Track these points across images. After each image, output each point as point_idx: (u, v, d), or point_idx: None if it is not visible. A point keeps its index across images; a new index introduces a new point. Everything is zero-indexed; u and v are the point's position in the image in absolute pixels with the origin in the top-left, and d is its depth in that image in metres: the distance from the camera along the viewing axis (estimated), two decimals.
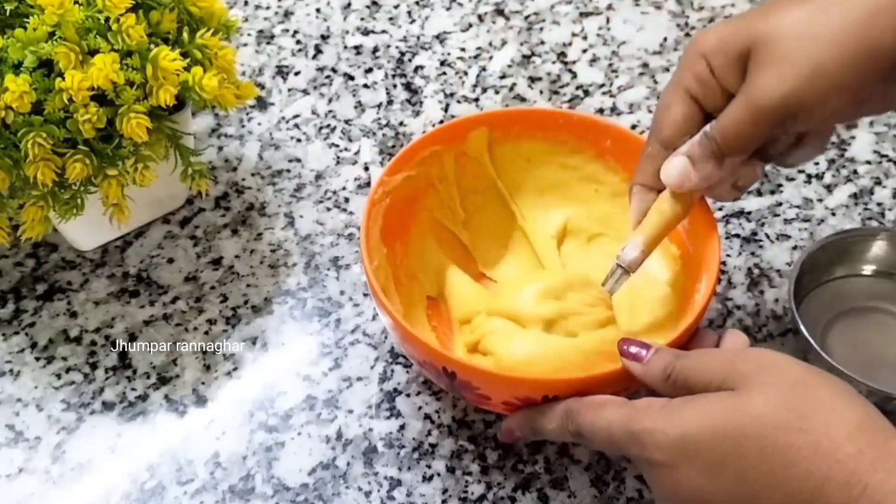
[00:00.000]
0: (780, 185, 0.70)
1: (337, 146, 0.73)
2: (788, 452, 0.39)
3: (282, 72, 0.79)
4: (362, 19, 0.83)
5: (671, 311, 0.58)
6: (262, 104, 0.76)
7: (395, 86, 0.77)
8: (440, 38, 0.81)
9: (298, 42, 0.81)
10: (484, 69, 0.79)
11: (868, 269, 0.62)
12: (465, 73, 0.78)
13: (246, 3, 0.84)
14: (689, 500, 0.42)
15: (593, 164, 0.62)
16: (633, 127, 0.74)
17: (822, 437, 0.39)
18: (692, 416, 0.42)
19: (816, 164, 0.71)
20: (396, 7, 0.83)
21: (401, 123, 0.74)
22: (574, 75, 0.78)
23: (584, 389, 0.51)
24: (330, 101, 0.76)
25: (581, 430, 0.47)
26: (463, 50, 0.80)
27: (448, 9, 0.84)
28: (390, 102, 0.76)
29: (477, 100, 0.76)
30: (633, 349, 0.48)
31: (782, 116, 0.47)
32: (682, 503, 0.42)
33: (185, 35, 0.58)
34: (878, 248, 0.62)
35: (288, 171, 0.71)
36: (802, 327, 0.56)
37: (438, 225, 0.63)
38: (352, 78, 0.78)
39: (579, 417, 0.47)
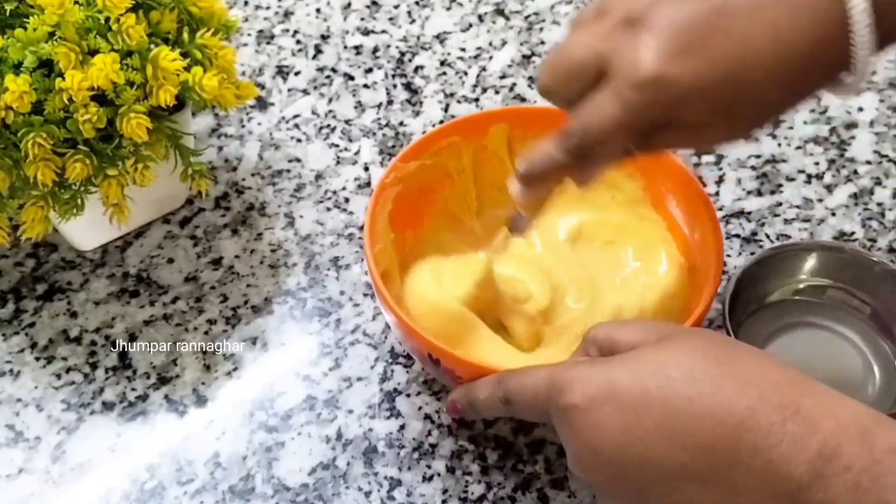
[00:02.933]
0: (780, 185, 0.70)
1: (337, 146, 0.73)
2: (718, 379, 0.38)
3: (282, 72, 0.79)
4: (362, 19, 0.82)
5: (675, 314, 0.58)
6: (262, 104, 0.76)
7: (395, 86, 0.77)
8: (440, 38, 0.81)
9: (298, 42, 0.81)
10: (484, 69, 0.79)
11: (801, 284, 0.61)
12: (465, 73, 0.78)
13: (246, 3, 0.84)
14: (611, 446, 0.40)
15: (612, 169, 0.62)
16: None
17: (752, 367, 0.39)
18: (620, 363, 0.41)
19: (817, 164, 0.71)
20: (396, 7, 0.83)
21: (401, 123, 0.74)
22: None
23: None
24: (330, 101, 0.76)
25: (509, 394, 0.46)
26: (463, 50, 0.80)
27: (448, 9, 0.84)
28: (390, 102, 0.76)
29: (477, 100, 0.76)
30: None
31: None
32: (602, 452, 0.40)
33: (185, 35, 0.58)
34: (811, 261, 0.61)
35: (288, 171, 0.71)
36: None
37: (452, 216, 0.63)
38: (352, 78, 0.78)
39: (508, 383, 0.46)
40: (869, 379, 0.58)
